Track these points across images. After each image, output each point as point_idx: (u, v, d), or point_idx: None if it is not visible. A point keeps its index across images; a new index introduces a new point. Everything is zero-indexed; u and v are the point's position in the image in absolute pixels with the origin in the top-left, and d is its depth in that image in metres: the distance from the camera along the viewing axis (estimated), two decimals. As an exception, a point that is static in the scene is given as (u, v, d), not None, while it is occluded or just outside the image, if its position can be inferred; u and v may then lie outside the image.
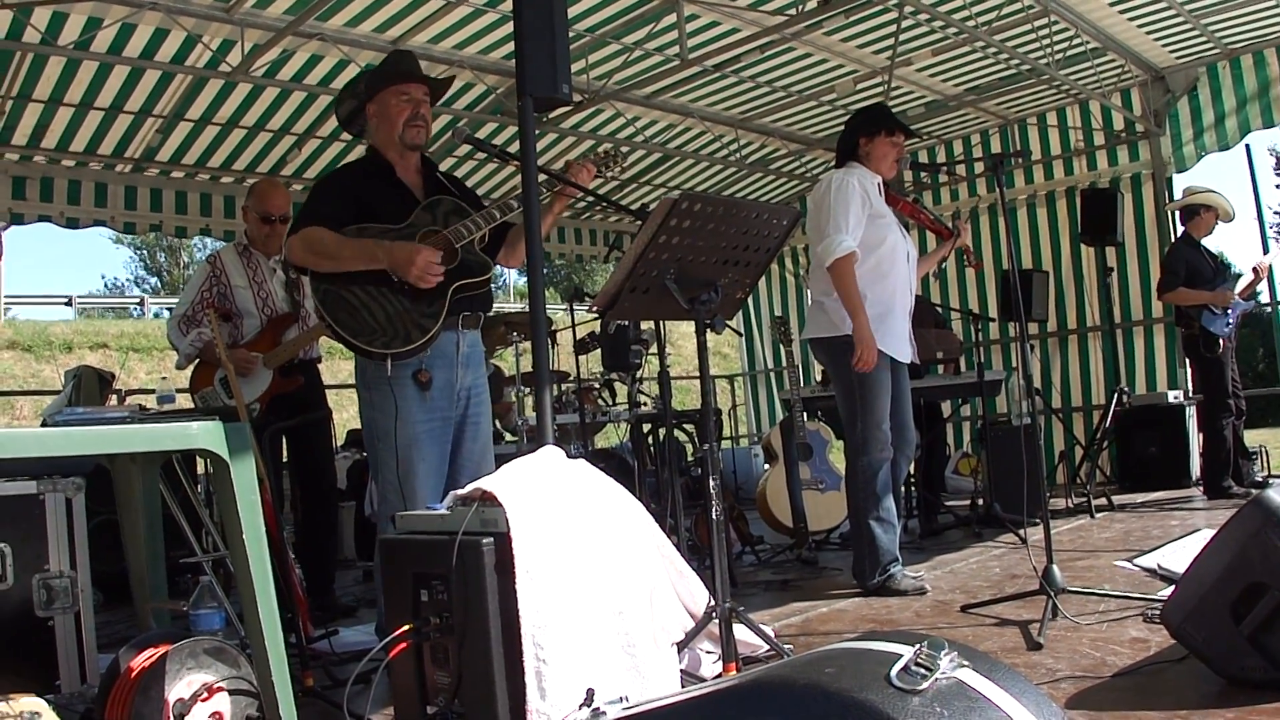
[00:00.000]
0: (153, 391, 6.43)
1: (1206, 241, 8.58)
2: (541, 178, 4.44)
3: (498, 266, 4.62)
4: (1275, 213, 37.67)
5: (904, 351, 5.67)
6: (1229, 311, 8.19)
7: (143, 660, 3.16)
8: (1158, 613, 3.77)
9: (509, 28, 5.03)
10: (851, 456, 5.66)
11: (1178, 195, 9.27)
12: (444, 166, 9.35)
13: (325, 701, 3.95)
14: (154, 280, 47.02)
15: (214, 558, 4.91)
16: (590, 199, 5.54)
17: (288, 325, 6.04)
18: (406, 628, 3.15)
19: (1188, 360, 9.29)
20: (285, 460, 6.12)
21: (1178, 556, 5.37)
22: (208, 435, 2.96)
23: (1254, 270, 8.46)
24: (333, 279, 4.13)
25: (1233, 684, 3.27)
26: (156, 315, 30.47)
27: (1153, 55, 9.91)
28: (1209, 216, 8.42)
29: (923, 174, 11.53)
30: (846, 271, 5.41)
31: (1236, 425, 8.41)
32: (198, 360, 5.91)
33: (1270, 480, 8.40)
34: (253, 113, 8.41)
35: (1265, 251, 10.01)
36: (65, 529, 3.72)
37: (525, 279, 4.39)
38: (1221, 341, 8.23)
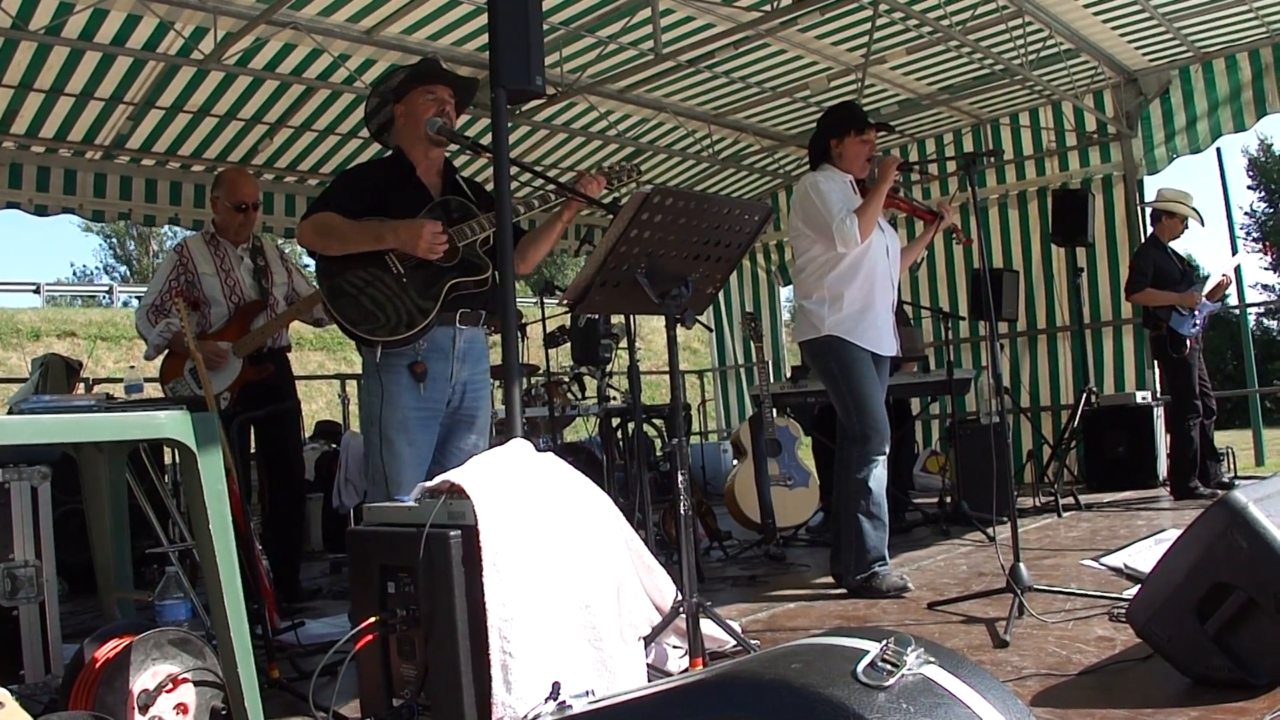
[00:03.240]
0: (120, 380, 6.39)
1: (1176, 245, 8.63)
2: (550, 187, 4.49)
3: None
4: (1246, 214, 38.02)
5: (886, 345, 5.67)
6: (1196, 313, 8.24)
7: (108, 651, 3.14)
8: (1123, 612, 3.79)
9: (483, 19, 5.02)
10: (845, 446, 5.63)
11: (1150, 196, 9.33)
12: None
13: (291, 693, 3.94)
14: (123, 269, 46.84)
15: (180, 548, 4.89)
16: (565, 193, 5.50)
17: (256, 313, 6.01)
18: (373, 620, 3.14)
19: (1156, 361, 9.34)
20: (254, 450, 6.09)
21: (1144, 556, 5.40)
22: (175, 425, 2.95)
23: (1223, 275, 8.51)
24: (337, 264, 4.20)
25: (1197, 683, 3.29)
26: (125, 304, 30.36)
27: (1125, 57, 9.95)
28: (1175, 221, 8.48)
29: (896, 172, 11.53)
30: (865, 228, 5.47)
31: (1206, 426, 8.46)
32: (167, 351, 5.87)
33: (1236, 481, 8.45)
34: (224, 101, 8.34)
35: (1234, 253, 10.09)
36: (30, 518, 3.70)
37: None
38: (1189, 342, 8.28)
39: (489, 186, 4.52)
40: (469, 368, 4.43)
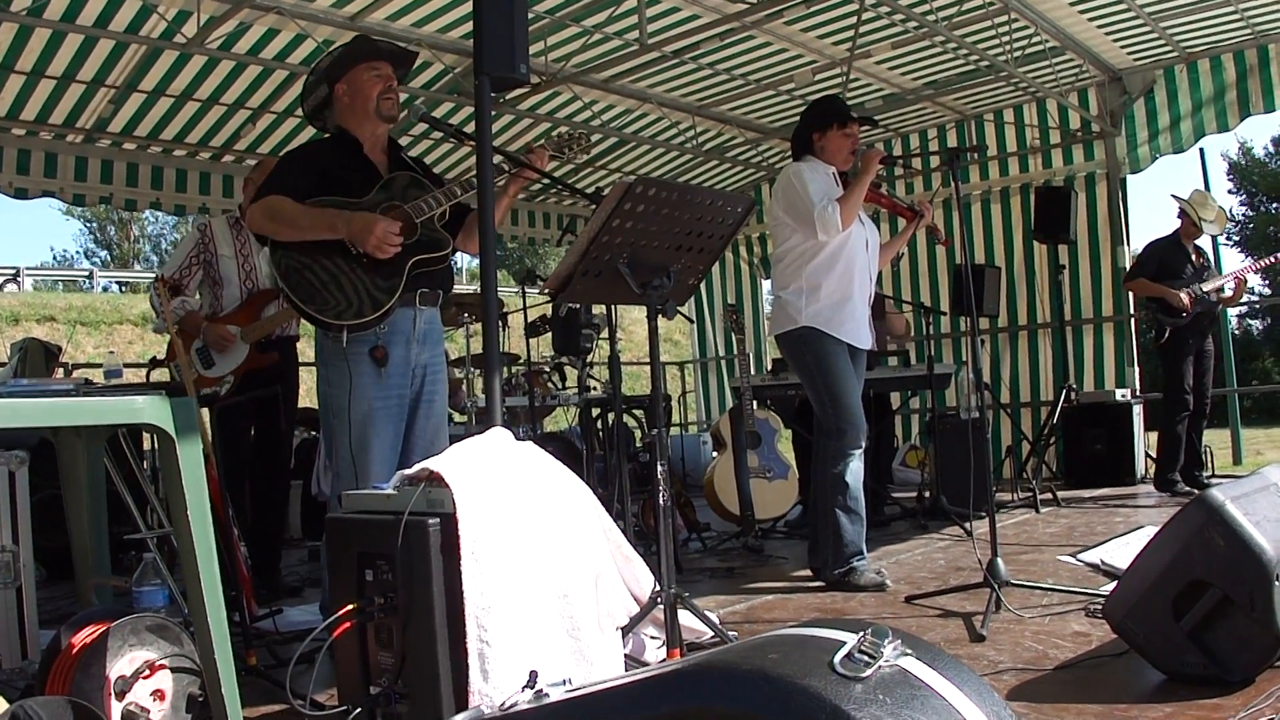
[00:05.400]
0: (100, 365, 6.38)
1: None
2: (497, 159, 4.42)
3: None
4: (1227, 218, 38.11)
5: (862, 338, 5.67)
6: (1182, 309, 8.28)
7: (84, 637, 3.12)
8: (1100, 607, 3.81)
9: (468, 6, 5.00)
10: (821, 440, 5.63)
11: (1131, 196, 9.41)
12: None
13: (268, 680, 3.93)
14: (104, 253, 46.62)
15: (158, 534, 4.87)
16: (545, 181, 5.49)
17: (268, 301, 6.05)
18: (350, 607, 3.13)
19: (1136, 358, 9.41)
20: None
21: (1121, 553, 5.42)
22: (153, 410, 2.93)
23: (1234, 278, 8.58)
24: (293, 250, 4.13)
25: (1172, 679, 3.32)
26: (105, 289, 30.19)
27: (1111, 56, 9.98)
28: (1188, 221, 8.55)
29: (879, 165, 11.56)
30: (847, 216, 5.46)
31: (1192, 424, 8.52)
32: (177, 329, 5.88)
33: (1212, 480, 8.50)
34: (207, 85, 8.30)
35: (1216, 255, 10.18)
36: (8, 503, 3.69)
37: (477, 261, 4.36)
38: (1168, 331, 8.35)
39: (469, 173, 4.47)
40: (428, 350, 4.40)
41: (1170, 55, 9.94)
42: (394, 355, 4.23)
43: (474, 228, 4.57)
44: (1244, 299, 10.26)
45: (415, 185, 4.34)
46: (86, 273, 32.73)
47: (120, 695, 3.02)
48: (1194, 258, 8.58)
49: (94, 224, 46.28)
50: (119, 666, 3.04)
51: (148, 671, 3.08)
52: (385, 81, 4.35)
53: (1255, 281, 36.69)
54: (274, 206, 4.13)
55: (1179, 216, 8.64)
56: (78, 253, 47.43)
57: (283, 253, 4.14)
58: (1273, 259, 9.10)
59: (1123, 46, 9.74)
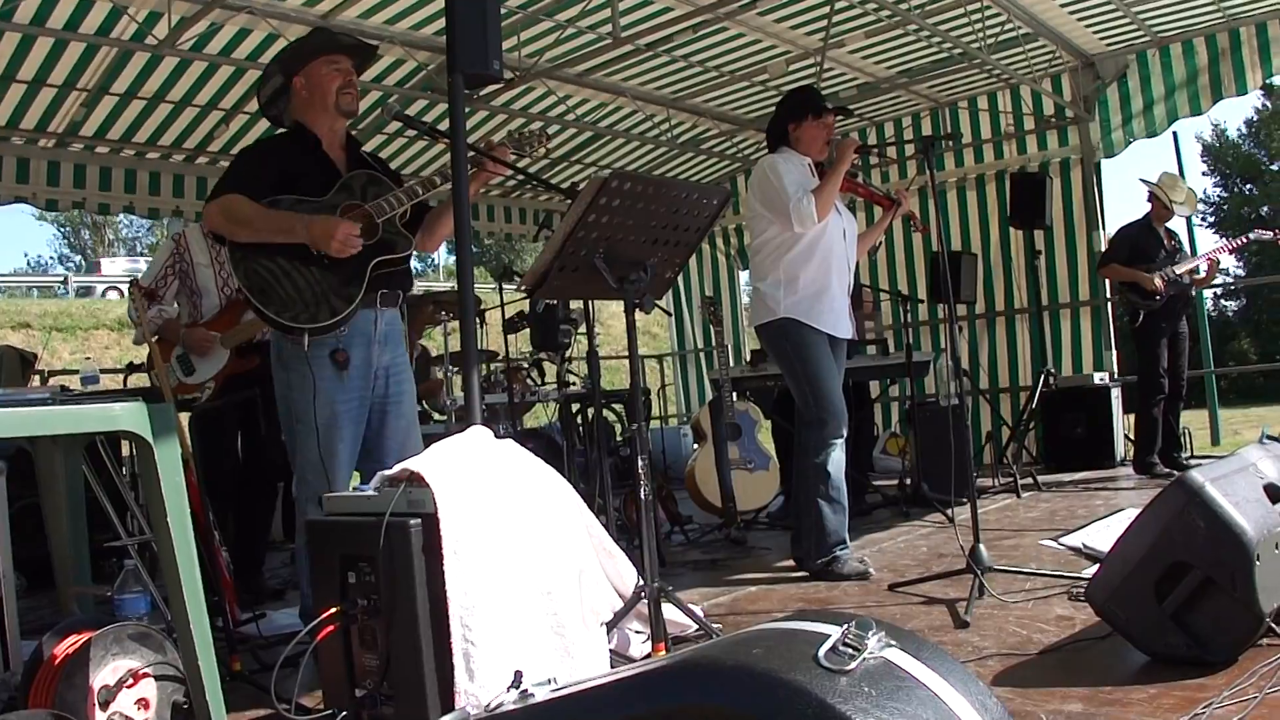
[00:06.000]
0: (76, 372, 6.35)
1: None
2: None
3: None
4: (1200, 199, 38.37)
5: (842, 328, 5.68)
6: (1157, 289, 8.29)
7: (67, 647, 3.11)
8: (1083, 591, 3.83)
9: (440, 3, 4.99)
10: (802, 430, 5.63)
11: (1106, 180, 9.44)
12: (373, 144, 9.32)
13: (253, 685, 3.92)
14: (78, 259, 46.45)
15: (139, 541, 4.85)
16: (520, 178, 5.48)
17: (247, 307, 6.01)
18: (334, 610, 3.13)
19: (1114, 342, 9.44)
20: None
21: (1102, 536, 5.44)
22: (131, 417, 2.92)
23: (1207, 259, 8.60)
24: (252, 251, 4.06)
25: (1156, 660, 3.34)
26: (80, 294, 30.04)
27: (1083, 42, 10.00)
28: (1159, 204, 8.57)
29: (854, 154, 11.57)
30: (823, 207, 5.46)
31: (1171, 407, 8.56)
32: (157, 337, 5.85)
33: (1191, 461, 8.54)
34: (179, 87, 8.24)
35: (1191, 238, 10.21)
36: (-13, 512, 3.66)
37: (454, 258, 4.34)
38: (1142, 314, 8.38)
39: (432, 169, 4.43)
40: (389, 351, 4.36)
41: (1142, 40, 9.96)
42: (355, 358, 4.19)
43: (434, 226, 4.55)
44: (1219, 281, 10.31)
45: (375, 184, 4.29)
46: (61, 278, 32.56)
47: (104, 705, 3.01)
48: (1166, 241, 8.60)
49: (67, 229, 46.13)
50: (102, 676, 3.03)
51: (131, 680, 3.07)
52: (345, 76, 4.29)
53: (1230, 263, 36.90)
54: (232, 207, 4.05)
55: (1149, 200, 8.67)
56: (51, 258, 47.27)
57: (242, 253, 4.07)
58: (1244, 239, 9.15)
59: (1095, 32, 9.76)
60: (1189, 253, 8.96)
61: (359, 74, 4.45)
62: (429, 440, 3.75)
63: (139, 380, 6.15)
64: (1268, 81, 9.74)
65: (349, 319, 4.12)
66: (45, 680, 3.07)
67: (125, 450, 6.29)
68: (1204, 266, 8.54)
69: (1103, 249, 9.70)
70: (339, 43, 4.38)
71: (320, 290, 4.07)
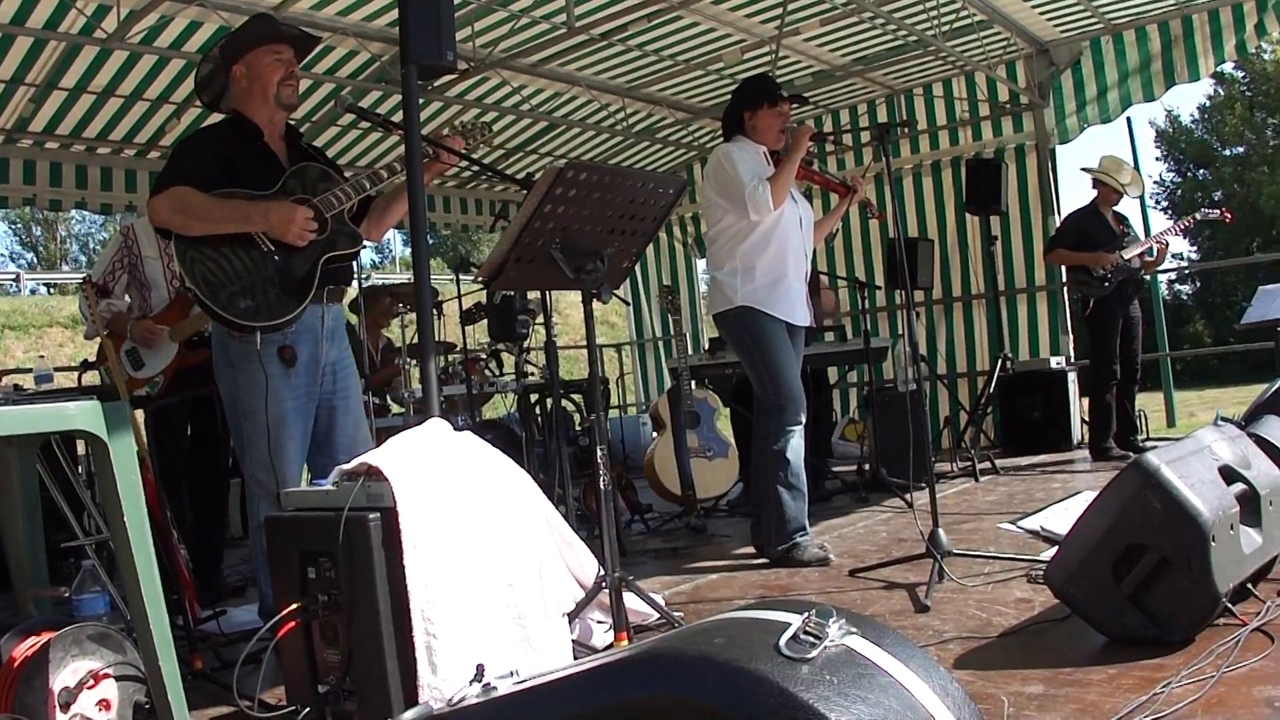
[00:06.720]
0: (30, 370, 6.29)
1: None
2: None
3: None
4: (1155, 184, 38.75)
5: (799, 315, 5.69)
6: (1106, 275, 8.31)
7: (25, 649, 3.07)
8: (1041, 573, 3.86)
9: (393, -7, 4.96)
10: (761, 417, 5.64)
11: (1060, 166, 9.49)
12: (326, 136, 9.26)
13: (215, 684, 3.90)
14: (30, 255, 45.97)
15: (96, 540, 4.80)
16: (475, 169, 5.45)
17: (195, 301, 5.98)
18: (294, 606, 3.11)
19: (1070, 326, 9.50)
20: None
21: (1060, 518, 5.47)
22: (85, 416, 2.88)
23: (1155, 242, 8.63)
24: (199, 244, 3.96)
25: (1114, 641, 3.36)
26: (33, 292, 29.73)
27: (1037, 29, 10.05)
28: (1108, 189, 8.60)
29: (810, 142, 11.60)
30: (778, 195, 5.45)
31: (1124, 391, 8.60)
32: (108, 332, 5.79)
33: (1147, 444, 8.60)
34: (129, 81, 8.15)
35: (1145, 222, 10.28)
36: (-62, 513, 3.62)
37: (410, 249, 4.32)
38: (1092, 302, 8.42)
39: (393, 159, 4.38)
40: (335, 347, 4.32)
41: (1096, 27, 10.02)
42: (303, 354, 4.15)
43: (382, 214, 4.52)
44: (1173, 265, 10.40)
45: (326, 179, 4.24)
46: (13, 276, 32.18)
47: (65, 707, 2.98)
48: (1115, 225, 8.63)
49: (18, 225, 45.65)
50: (62, 678, 3.00)
51: (92, 681, 3.05)
52: (286, 67, 4.23)
53: (1184, 246, 37.30)
54: (182, 198, 3.94)
55: (1095, 187, 8.70)
56: (2, 255, 46.79)
57: (187, 247, 3.96)
58: (1192, 219, 9.25)
59: (1049, 19, 9.81)
60: (1139, 237, 9.00)
61: (300, 61, 4.39)
62: (387, 433, 3.73)
63: (93, 378, 6.09)
64: (1219, 68, 9.81)
65: (299, 317, 4.08)
66: (4, 684, 3.03)
67: (80, 449, 6.24)
68: (1154, 249, 8.58)
69: (1057, 234, 9.75)
70: (281, 32, 4.31)
71: (268, 286, 4.01)
